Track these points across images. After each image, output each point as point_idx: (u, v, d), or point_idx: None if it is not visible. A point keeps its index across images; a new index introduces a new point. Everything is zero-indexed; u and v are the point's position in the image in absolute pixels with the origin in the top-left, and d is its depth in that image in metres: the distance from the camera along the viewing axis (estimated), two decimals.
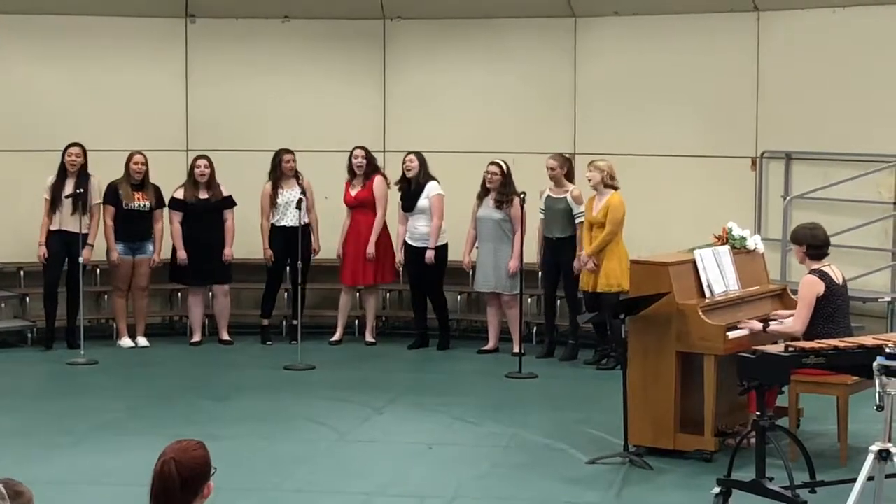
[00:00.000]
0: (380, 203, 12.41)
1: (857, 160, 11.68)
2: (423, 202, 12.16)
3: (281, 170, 12.43)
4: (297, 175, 12.47)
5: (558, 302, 12.04)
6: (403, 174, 12.24)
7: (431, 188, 12.18)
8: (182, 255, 12.36)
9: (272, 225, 12.45)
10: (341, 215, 12.53)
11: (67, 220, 11.95)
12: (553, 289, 11.90)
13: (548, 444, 8.82)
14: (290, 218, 12.36)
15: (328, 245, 12.58)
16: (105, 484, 7.88)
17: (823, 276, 8.26)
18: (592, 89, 12.99)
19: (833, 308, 8.24)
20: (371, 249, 12.31)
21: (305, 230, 12.23)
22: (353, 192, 12.41)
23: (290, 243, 12.30)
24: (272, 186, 12.45)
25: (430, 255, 12.13)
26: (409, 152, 12.28)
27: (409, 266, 12.38)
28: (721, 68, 12.38)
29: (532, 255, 11.97)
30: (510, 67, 13.22)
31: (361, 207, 12.40)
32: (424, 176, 12.22)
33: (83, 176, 12.01)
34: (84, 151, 12.03)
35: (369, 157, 12.45)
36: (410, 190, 12.22)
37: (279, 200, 12.42)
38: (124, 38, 13.14)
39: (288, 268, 12.54)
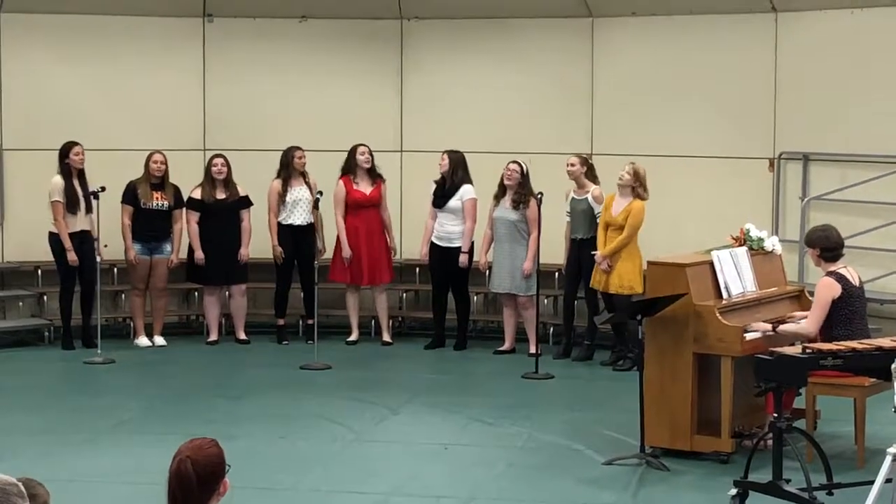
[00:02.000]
0: (385, 202, 12.50)
1: (875, 161, 11.65)
2: (454, 203, 12.15)
3: (292, 167, 12.43)
4: (304, 173, 12.48)
5: (576, 303, 12.02)
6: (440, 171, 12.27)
7: (466, 191, 12.16)
8: (199, 254, 12.37)
9: (279, 223, 12.45)
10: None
11: (83, 220, 11.97)
12: (574, 290, 11.88)
13: (564, 444, 8.81)
14: (297, 216, 12.39)
15: (330, 245, 12.57)
16: (122, 482, 7.89)
17: (840, 278, 8.22)
18: (609, 90, 12.97)
19: (850, 310, 8.20)
20: (393, 244, 12.44)
21: (312, 228, 12.23)
22: (365, 191, 12.40)
23: (297, 242, 12.32)
24: (282, 184, 12.46)
25: (464, 258, 12.11)
26: (445, 151, 12.26)
27: (435, 265, 12.36)
28: (739, 69, 12.36)
29: (549, 256, 11.96)
30: (527, 68, 13.21)
31: (373, 207, 12.41)
32: (462, 177, 12.19)
33: (83, 175, 12.02)
34: (83, 149, 12.06)
35: (372, 155, 12.48)
36: (445, 188, 12.22)
37: (288, 198, 12.41)
38: (142, 38, 13.17)
39: (297, 267, 12.53)
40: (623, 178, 11.28)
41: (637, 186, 11.24)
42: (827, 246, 8.35)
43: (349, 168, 12.41)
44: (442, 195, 12.22)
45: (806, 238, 8.61)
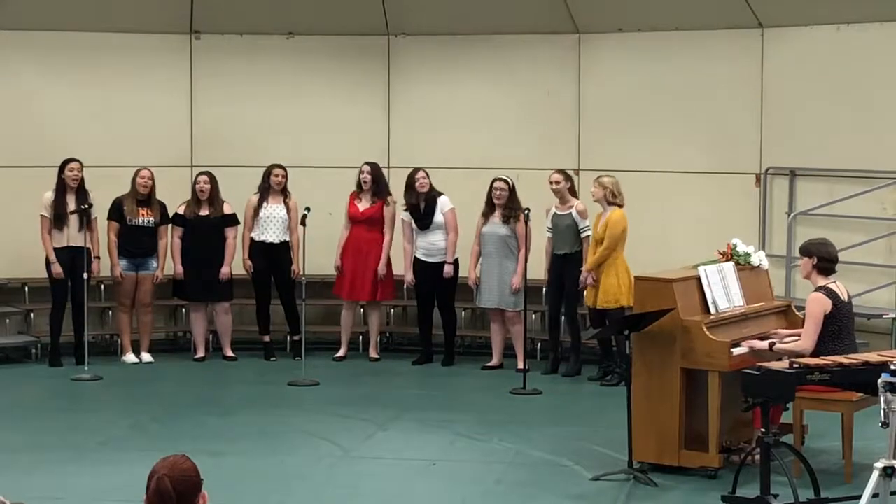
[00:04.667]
0: (389, 224, 12.41)
1: (862, 176, 11.68)
2: (438, 218, 12.16)
3: (268, 183, 12.44)
4: (285, 192, 12.47)
5: (563, 318, 12.04)
6: (412, 192, 12.20)
7: (444, 203, 12.18)
8: (178, 269, 12.37)
9: (251, 239, 12.45)
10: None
11: (74, 236, 11.95)
12: (558, 305, 11.89)
13: (552, 460, 8.80)
14: (270, 233, 12.40)
15: (329, 260, 12.55)
16: (109, 500, 7.86)
17: (830, 293, 8.23)
18: (596, 106, 13.01)
19: (839, 326, 8.21)
20: (383, 269, 12.33)
21: (287, 246, 12.25)
22: (360, 207, 12.41)
23: (270, 259, 12.33)
24: (258, 199, 12.46)
25: (448, 269, 12.12)
26: (418, 169, 12.26)
27: (422, 281, 12.35)
28: (725, 85, 12.40)
29: (536, 271, 11.97)
30: (514, 84, 13.24)
31: (367, 224, 12.39)
32: (434, 191, 12.21)
33: (82, 191, 12.02)
34: (82, 166, 12.04)
35: (377, 174, 12.44)
36: (423, 208, 12.21)
37: (261, 214, 12.42)
38: (129, 55, 13.17)
39: (273, 283, 12.52)
40: (594, 194, 11.35)
41: (609, 196, 11.29)
42: (825, 256, 8.35)
43: (358, 184, 12.42)
44: (424, 215, 12.20)
45: (803, 248, 8.55)
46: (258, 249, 12.43)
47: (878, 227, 11.64)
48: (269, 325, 12.70)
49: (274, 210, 12.41)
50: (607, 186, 11.32)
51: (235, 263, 12.49)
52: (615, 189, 11.32)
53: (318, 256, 12.50)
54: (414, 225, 12.26)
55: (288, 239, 12.36)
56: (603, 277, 11.29)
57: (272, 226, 12.38)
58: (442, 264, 12.16)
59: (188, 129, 13.40)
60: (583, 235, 11.67)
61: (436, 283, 12.22)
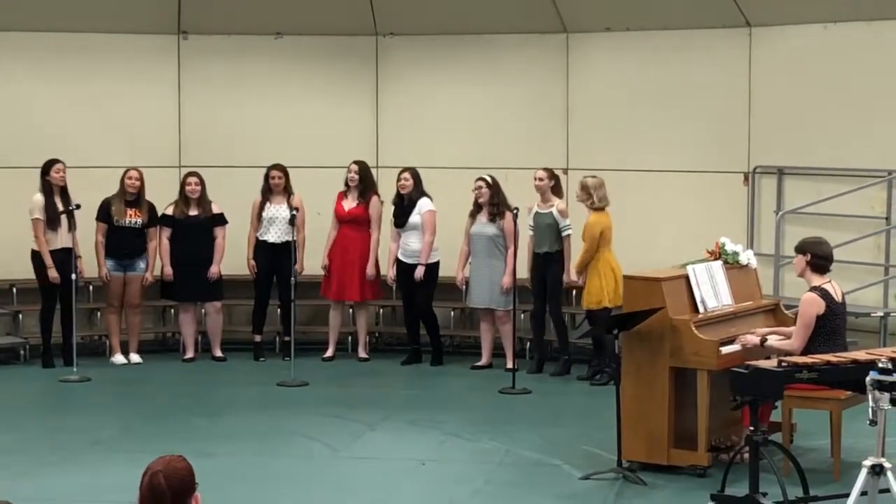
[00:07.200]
0: (375, 223, 12.42)
1: (849, 175, 11.70)
2: (414, 218, 12.16)
3: (268, 185, 12.44)
4: (287, 192, 12.47)
5: (545, 317, 12.04)
6: (398, 191, 12.24)
7: (423, 204, 12.17)
8: (168, 271, 12.34)
9: (257, 238, 12.46)
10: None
11: (65, 238, 11.91)
12: (542, 304, 11.89)
13: (541, 459, 8.81)
14: (273, 234, 12.38)
15: (318, 261, 12.54)
16: (100, 501, 7.86)
17: (824, 294, 8.23)
18: (585, 105, 13.02)
19: (832, 328, 8.20)
20: (371, 270, 12.33)
21: (291, 247, 12.25)
22: (346, 207, 12.41)
23: (273, 259, 12.32)
24: (262, 201, 12.46)
25: (419, 272, 12.12)
26: (405, 169, 12.27)
27: (401, 282, 12.36)
28: (713, 84, 12.41)
29: (526, 270, 11.98)
30: (503, 83, 13.25)
31: (353, 223, 12.39)
32: (417, 192, 12.22)
33: (65, 192, 11.99)
34: (65, 167, 12.01)
35: (364, 173, 12.44)
36: (403, 206, 12.23)
37: (265, 215, 12.43)
38: (117, 55, 13.15)
39: (276, 283, 12.51)
40: (578, 196, 11.37)
41: (586, 200, 11.31)
42: (819, 254, 8.33)
43: (346, 182, 12.43)
44: (402, 213, 12.21)
45: (797, 245, 8.53)
46: (262, 249, 12.42)
47: (866, 225, 11.67)
48: (263, 324, 12.70)
49: (277, 210, 12.40)
50: (589, 189, 11.30)
51: (226, 263, 12.47)
52: (594, 193, 11.29)
53: (308, 256, 12.50)
54: (392, 223, 12.27)
55: (291, 238, 12.26)
56: (588, 279, 11.32)
57: (275, 226, 12.35)
58: (417, 266, 12.16)
59: (176, 130, 13.39)
60: (563, 235, 11.69)
61: (413, 284, 12.21)
